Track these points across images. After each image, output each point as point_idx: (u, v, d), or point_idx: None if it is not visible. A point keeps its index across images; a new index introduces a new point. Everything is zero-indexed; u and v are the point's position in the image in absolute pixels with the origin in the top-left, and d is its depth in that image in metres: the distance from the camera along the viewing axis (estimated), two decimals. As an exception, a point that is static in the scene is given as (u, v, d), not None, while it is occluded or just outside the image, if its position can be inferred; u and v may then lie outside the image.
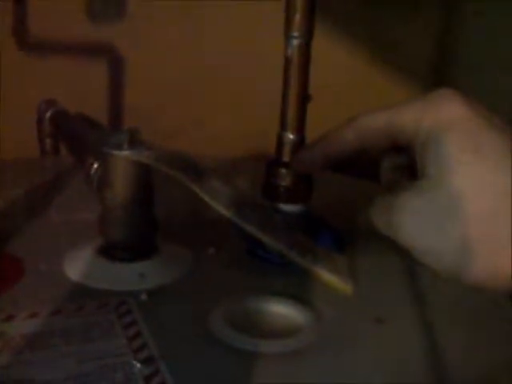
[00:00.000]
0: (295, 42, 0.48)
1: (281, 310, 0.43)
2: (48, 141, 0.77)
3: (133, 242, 0.47)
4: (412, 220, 0.39)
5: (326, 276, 0.44)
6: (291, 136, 0.49)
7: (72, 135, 0.63)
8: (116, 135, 0.45)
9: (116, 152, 0.44)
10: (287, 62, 0.49)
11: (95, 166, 0.47)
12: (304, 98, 0.50)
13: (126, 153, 0.44)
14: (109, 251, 0.47)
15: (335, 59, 0.91)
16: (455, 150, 0.38)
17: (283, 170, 0.50)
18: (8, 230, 0.53)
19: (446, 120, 0.40)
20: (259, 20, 0.87)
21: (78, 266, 0.47)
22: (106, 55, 0.88)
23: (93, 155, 0.48)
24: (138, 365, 0.36)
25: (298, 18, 0.48)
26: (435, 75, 1.03)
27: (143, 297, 0.43)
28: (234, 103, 0.90)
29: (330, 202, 0.61)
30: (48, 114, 0.72)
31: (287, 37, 0.48)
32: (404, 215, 0.40)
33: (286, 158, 0.50)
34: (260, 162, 0.53)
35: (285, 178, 0.50)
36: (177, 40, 0.88)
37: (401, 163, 0.46)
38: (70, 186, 0.65)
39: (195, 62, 0.89)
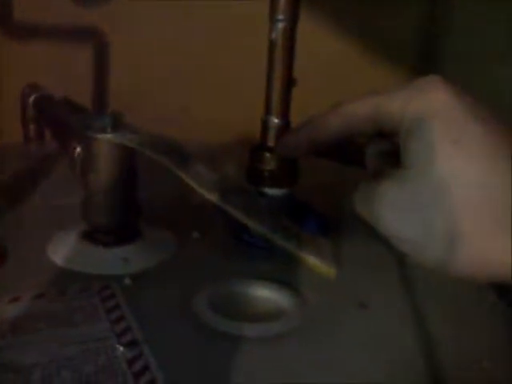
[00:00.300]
0: (280, 25, 0.48)
1: (265, 294, 0.43)
2: (32, 126, 0.76)
3: (116, 226, 0.46)
4: (392, 210, 0.40)
5: (311, 260, 0.44)
6: (276, 120, 0.49)
7: (56, 120, 0.62)
8: (100, 119, 0.44)
9: (99, 135, 0.44)
10: (272, 45, 0.49)
11: (78, 149, 0.47)
12: (289, 82, 0.49)
13: (109, 136, 0.44)
14: (92, 235, 0.47)
15: (322, 45, 0.91)
16: (436, 140, 0.39)
17: (268, 155, 0.50)
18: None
19: (430, 108, 0.40)
20: (246, 4, 0.86)
21: (61, 250, 0.46)
22: (90, 39, 0.87)
23: (76, 139, 0.48)
24: (121, 348, 0.36)
25: (282, 1, 0.48)
26: (423, 63, 1.04)
27: (127, 281, 0.43)
28: (220, 89, 0.90)
29: (316, 186, 0.61)
30: (31, 99, 0.71)
31: (272, 20, 0.48)
32: (384, 205, 0.40)
33: (270, 143, 0.50)
34: (246, 148, 0.52)
35: (269, 163, 0.50)
36: (163, 25, 0.87)
37: (386, 149, 0.46)
38: (54, 171, 0.65)
39: (181, 48, 0.88)
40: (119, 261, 0.45)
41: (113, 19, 0.86)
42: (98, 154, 0.45)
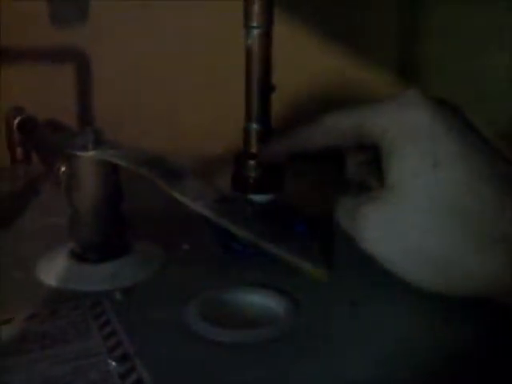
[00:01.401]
0: (255, 31, 0.48)
1: (256, 300, 0.43)
2: (18, 149, 0.76)
3: (103, 242, 0.46)
4: (375, 232, 0.41)
5: (301, 264, 0.44)
6: (256, 126, 0.49)
7: (41, 141, 0.62)
8: (80, 136, 0.44)
9: (81, 153, 0.44)
10: (248, 52, 0.49)
11: (62, 168, 0.47)
12: (268, 88, 0.50)
13: (90, 153, 0.44)
14: (80, 253, 0.47)
15: (300, 51, 0.91)
16: (416, 164, 0.40)
17: (251, 161, 0.50)
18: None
19: (410, 128, 0.40)
20: (222, 12, 0.87)
21: (51, 269, 0.46)
22: (72, 59, 0.88)
23: (60, 158, 0.48)
24: (113, 363, 0.36)
25: (256, 7, 0.48)
26: (404, 66, 1.04)
27: (117, 296, 0.43)
28: (207, 99, 0.90)
29: (302, 190, 0.62)
30: (16, 122, 0.71)
31: (247, 27, 0.48)
32: (367, 227, 0.41)
33: (253, 149, 0.50)
34: (229, 155, 0.53)
35: (254, 169, 0.50)
36: (140, 38, 0.87)
37: (367, 160, 0.47)
38: (42, 192, 0.65)
39: (163, 62, 0.89)
40: (109, 276, 0.45)
41: (95, 39, 0.87)
42: (81, 172, 0.45)
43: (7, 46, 0.84)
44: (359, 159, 0.47)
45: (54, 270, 0.46)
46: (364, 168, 0.47)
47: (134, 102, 0.88)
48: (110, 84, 0.88)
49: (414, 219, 0.39)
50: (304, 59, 0.92)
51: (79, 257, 0.47)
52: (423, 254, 0.40)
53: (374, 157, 0.45)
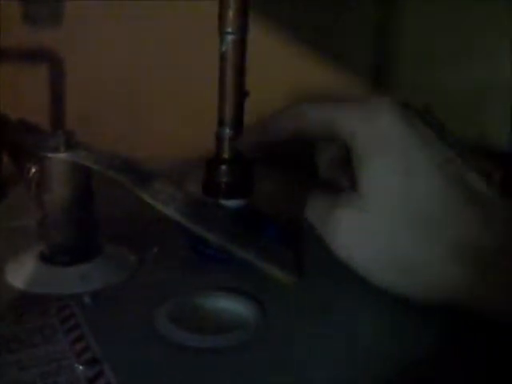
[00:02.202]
0: (229, 37, 0.48)
1: (225, 305, 0.43)
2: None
3: (73, 244, 0.46)
4: (345, 237, 0.42)
5: (270, 269, 0.44)
6: (229, 132, 0.50)
7: (11, 142, 0.62)
8: (52, 138, 0.44)
9: (52, 155, 0.44)
10: (222, 58, 0.49)
11: (33, 170, 0.47)
12: (241, 94, 0.50)
13: (62, 155, 0.44)
14: (50, 255, 0.46)
15: (275, 55, 0.92)
16: (386, 174, 0.40)
17: (223, 167, 0.50)
18: None
19: (378, 136, 0.41)
20: (195, 17, 0.87)
21: (19, 272, 0.46)
22: (45, 60, 0.87)
23: (31, 160, 0.48)
24: (81, 367, 0.36)
25: (230, 13, 0.48)
26: (378, 64, 1.05)
27: (86, 299, 0.43)
28: (178, 104, 0.90)
29: (272, 195, 0.62)
30: (-14, 121, 0.70)
31: (221, 33, 0.49)
32: (338, 231, 0.42)
33: (225, 154, 0.50)
34: (201, 160, 0.53)
35: (225, 175, 0.50)
36: (113, 41, 0.87)
37: (337, 156, 0.47)
38: (10, 194, 0.64)
39: (136, 64, 0.89)
40: (78, 279, 0.45)
41: (68, 40, 0.86)
42: (52, 174, 0.44)
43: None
44: (330, 155, 0.48)
45: (22, 273, 0.46)
46: (333, 164, 0.47)
47: (107, 105, 0.87)
48: (83, 86, 0.87)
49: (384, 225, 0.40)
50: (278, 64, 0.92)
51: (48, 259, 0.46)
52: (392, 260, 0.40)
53: (342, 152, 0.45)
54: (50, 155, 0.44)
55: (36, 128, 0.65)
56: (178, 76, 0.89)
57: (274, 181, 0.66)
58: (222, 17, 0.49)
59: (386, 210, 0.40)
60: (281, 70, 0.94)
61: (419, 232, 0.39)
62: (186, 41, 0.87)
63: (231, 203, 0.50)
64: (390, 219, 0.40)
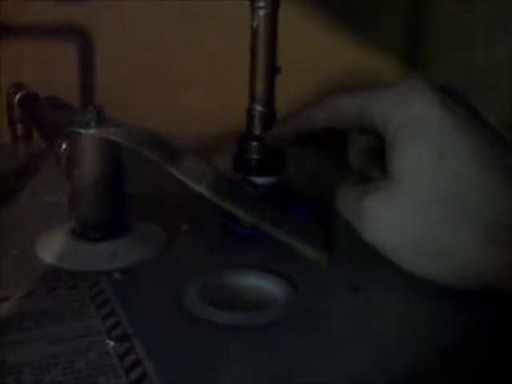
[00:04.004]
0: (261, 12, 0.48)
1: (256, 283, 0.43)
2: (19, 126, 0.76)
3: (103, 221, 0.46)
4: (377, 223, 0.41)
5: (300, 247, 0.44)
6: (261, 108, 0.49)
7: (42, 118, 0.62)
8: (82, 113, 0.44)
9: (82, 130, 0.44)
10: (253, 33, 0.48)
11: (63, 146, 0.47)
12: (273, 70, 0.49)
13: (92, 131, 0.44)
14: (80, 232, 0.46)
15: (307, 33, 0.91)
16: (420, 155, 0.39)
17: (254, 143, 0.50)
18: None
19: (414, 119, 0.40)
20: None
21: (50, 248, 0.46)
22: (75, 37, 0.87)
23: (61, 136, 0.48)
24: (112, 343, 0.36)
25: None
26: (409, 47, 1.03)
27: (116, 276, 0.43)
28: (207, 79, 0.89)
29: (303, 174, 0.61)
30: (17, 98, 0.71)
31: (253, 7, 0.48)
32: (370, 218, 0.41)
33: (256, 131, 0.50)
34: (231, 137, 0.52)
35: (256, 151, 0.50)
36: (141, 16, 0.87)
37: (369, 147, 0.46)
38: (42, 169, 0.64)
39: (167, 40, 0.88)
40: (108, 256, 0.45)
41: (97, 16, 0.86)
42: (83, 150, 0.44)
43: (8, 21, 0.83)
44: (361, 145, 0.47)
45: (53, 248, 0.46)
46: (366, 154, 0.47)
47: (134, 81, 0.87)
48: (111, 62, 0.87)
49: (418, 210, 0.39)
50: (309, 43, 0.91)
51: (79, 235, 0.46)
52: (426, 246, 0.39)
53: (376, 143, 0.44)
54: (80, 131, 0.44)
55: (65, 104, 0.66)
56: (206, 51, 0.88)
57: (305, 160, 0.66)
58: (253, -10, 0.48)
59: (420, 195, 0.39)
60: (311, 50, 0.92)
61: (455, 216, 0.38)
62: (213, 14, 0.87)
63: (262, 180, 0.49)
64: (424, 204, 0.39)
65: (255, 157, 0.49)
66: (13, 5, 0.83)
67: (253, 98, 0.49)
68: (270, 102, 0.49)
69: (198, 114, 0.86)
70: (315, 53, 0.92)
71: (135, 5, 0.86)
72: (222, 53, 0.88)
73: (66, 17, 0.86)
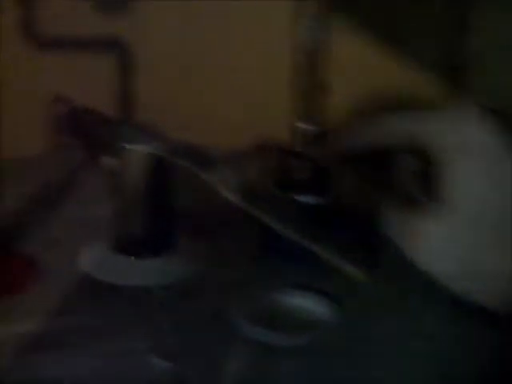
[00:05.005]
0: (308, 29, 0.47)
1: (300, 302, 0.42)
2: (61, 137, 0.76)
3: (148, 236, 0.46)
4: (427, 246, 0.41)
5: (344, 266, 0.44)
6: (307, 126, 0.49)
7: (84, 131, 0.62)
8: (127, 129, 0.44)
9: (128, 145, 0.44)
10: (299, 49, 0.48)
11: (108, 160, 0.47)
12: (319, 88, 0.49)
13: (137, 146, 0.44)
14: (125, 246, 0.46)
15: (352, 51, 0.90)
16: (470, 178, 0.39)
17: (299, 161, 0.49)
18: (22, 227, 0.52)
19: (468, 145, 0.40)
20: (266, 6, 0.86)
21: (94, 262, 0.46)
22: (114, 48, 0.87)
23: (106, 150, 0.48)
24: (157, 360, 0.36)
25: (309, 5, 0.47)
26: (448, 62, 1.02)
27: (160, 292, 0.43)
28: (244, 92, 0.89)
29: (347, 192, 0.60)
30: (61, 110, 0.71)
31: (299, 24, 0.48)
32: (419, 240, 0.41)
33: (301, 149, 0.49)
34: (272, 152, 0.52)
35: (301, 169, 0.49)
36: (186, 30, 0.86)
37: (417, 170, 0.46)
38: (84, 182, 0.64)
39: (204, 53, 0.88)
40: (152, 272, 0.45)
41: (137, 29, 0.86)
42: (128, 164, 0.44)
43: (50, 33, 0.84)
44: (409, 167, 0.47)
45: (97, 263, 0.46)
46: (413, 176, 0.46)
47: (172, 92, 0.87)
48: (149, 74, 0.87)
49: (467, 234, 0.39)
50: (355, 64, 0.90)
51: (121, 250, 0.46)
52: (478, 269, 0.39)
53: (423, 165, 0.44)
54: (126, 145, 0.44)
55: (106, 117, 0.66)
56: (244, 63, 0.88)
57: (350, 181, 0.65)
58: (299, 7, 0.47)
59: (472, 220, 0.39)
60: (358, 69, 0.92)
61: (505, 240, 0.38)
62: (253, 29, 0.86)
63: (306, 199, 0.49)
64: (474, 227, 0.39)
65: (300, 175, 0.49)
66: (53, 17, 0.83)
67: (298, 115, 0.49)
68: (315, 119, 0.49)
69: (234, 126, 0.86)
70: (361, 74, 0.91)
71: (175, 18, 0.86)
72: (261, 67, 0.87)
73: (105, 29, 0.86)
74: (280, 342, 0.38)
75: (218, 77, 0.89)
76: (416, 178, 0.45)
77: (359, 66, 0.90)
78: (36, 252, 0.48)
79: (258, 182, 0.47)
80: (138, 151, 0.44)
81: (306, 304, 0.42)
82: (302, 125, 0.49)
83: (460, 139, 0.40)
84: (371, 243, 0.50)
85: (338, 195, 0.50)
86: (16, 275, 0.45)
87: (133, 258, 0.46)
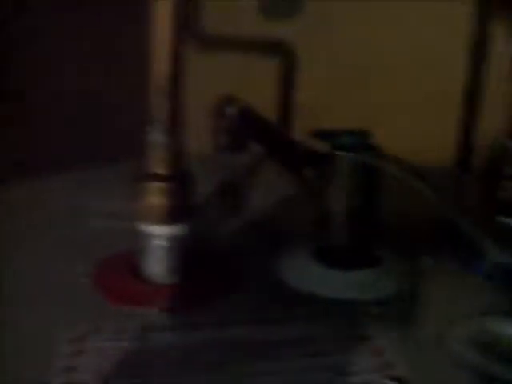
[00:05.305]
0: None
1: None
2: (226, 137, 0.76)
3: (355, 248, 0.44)
4: None
5: None
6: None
7: (264, 133, 0.62)
8: (347, 137, 0.43)
9: (346, 154, 0.42)
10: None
11: (315, 168, 0.46)
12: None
13: (356, 154, 0.42)
14: (328, 257, 0.45)
15: None
16: None
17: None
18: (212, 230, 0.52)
19: None
20: (433, 19, 0.83)
21: (297, 272, 0.45)
22: (277, 52, 0.87)
23: (310, 157, 0.47)
24: (389, 382, 0.34)
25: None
26: None
27: (372, 308, 0.41)
28: (409, 103, 0.86)
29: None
30: (231, 111, 0.71)
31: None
32: None
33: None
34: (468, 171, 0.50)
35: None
36: (349, 39, 0.85)
37: None
38: (263, 184, 0.64)
39: (367, 62, 0.86)
40: (358, 285, 0.43)
41: (300, 33, 0.86)
42: (342, 173, 0.43)
43: (217, 35, 0.85)
44: None
45: (297, 272, 0.45)
46: None
47: (337, 101, 0.86)
48: (314, 80, 0.86)
49: None
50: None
51: (327, 260, 0.45)
52: None
53: None
54: (343, 154, 0.43)
55: (267, 120, 0.65)
56: (417, 75, 0.85)
57: None
58: None
59: None
60: None
61: None
62: (427, 32, 0.83)
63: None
64: None
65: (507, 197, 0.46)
66: (220, 20, 0.84)
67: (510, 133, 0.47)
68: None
69: (412, 139, 0.83)
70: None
71: (344, 26, 0.85)
72: (425, 77, 0.84)
73: (270, 33, 0.86)
74: (502, 374, 0.36)
75: (386, 89, 0.87)
76: None
77: None
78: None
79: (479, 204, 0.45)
80: (355, 159, 0.42)
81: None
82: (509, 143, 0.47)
83: None
84: None
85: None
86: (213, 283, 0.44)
87: (338, 269, 0.44)
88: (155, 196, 0.40)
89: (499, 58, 0.67)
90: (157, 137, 0.40)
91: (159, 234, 0.41)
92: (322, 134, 0.45)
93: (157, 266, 0.42)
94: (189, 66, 0.81)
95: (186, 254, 0.42)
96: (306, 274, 0.45)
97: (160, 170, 0.40)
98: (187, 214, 0.42)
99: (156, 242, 0.41)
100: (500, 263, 0.44)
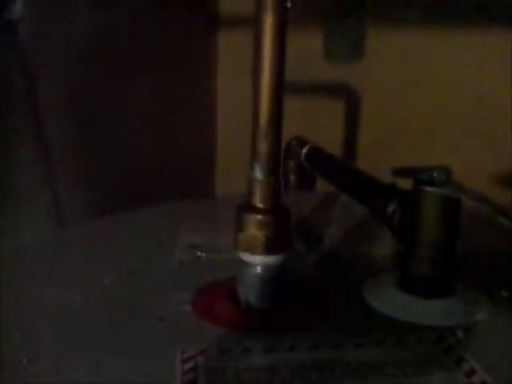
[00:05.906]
0: None
1: None
2: (292, 177, 0.80)
3: (437, 278, 0.47)
4: None
5: None
6: None
7: (338, 171, 0.65)
8: (431, 173, 0.46)
9: (433, 189, 0.45)
10: None
11: (393, 204, 0.49)
12: None
13: (442, 189, 0.45)
14: (411, 285, 0.48)
15: None
16: None
17: None
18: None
19: None
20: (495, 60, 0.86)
21: (382, 298, 0.48)
22: (342, 93, 0.91)
23: (390, 193, 0.50)
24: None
25: None
26: None
27: (459, 333, 0.44)
28: (470, 145, 0.89)
29: None
30: (302, 151, 0.75)
31: None
32: None
33: None
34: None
35: None
36: (415, 78, 0.88)
37: None
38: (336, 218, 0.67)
39: (430, 100, 0.89)
40: (442, 313, 0.46)
41: (363, 74, 0.89)
42: (429, 207, 0.46)
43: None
44: None
45: (383, 299, 0.48)
46: None
47: (399, 140, 0.89)
48: (377, 119, 0.90)
49: None
50: None
51: (409, 288, 0.48)
52: None
53: None
54: (428, 189, 0.46)
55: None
56: (476, 116, 0.88)
57: None
58: None
59: None
60: None
61: None
62: (491, 81, 0.86)
63: None
64: None
65: None
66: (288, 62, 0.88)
67: None
68: None
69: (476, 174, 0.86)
70: None
71: (407, 66, 0.88)
72: (497, 118, 0.87)
73: (335, 74, 0.90)
74: None
75: (448, 128, 0.89)
76: None
77: None
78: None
79: None
80: (440, 194, 0.45)
81: None
82: None
83: None
84: None
85: None
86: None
87: (421, 297, 0.47)
88: (255, 227, 0.44)
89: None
90: (259, 175, 0.44)
91: (260, 263, 0.45)
92: (404, 171, 0.48)
93: (255, 292, 0.45)
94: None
95: (282, 282, 0.46)
96: (391, 301, 0.47)
97: (260, 203, 0.44)
98: (283, 246, 0.45)
99: (255, 271, 0.45)
100: None
